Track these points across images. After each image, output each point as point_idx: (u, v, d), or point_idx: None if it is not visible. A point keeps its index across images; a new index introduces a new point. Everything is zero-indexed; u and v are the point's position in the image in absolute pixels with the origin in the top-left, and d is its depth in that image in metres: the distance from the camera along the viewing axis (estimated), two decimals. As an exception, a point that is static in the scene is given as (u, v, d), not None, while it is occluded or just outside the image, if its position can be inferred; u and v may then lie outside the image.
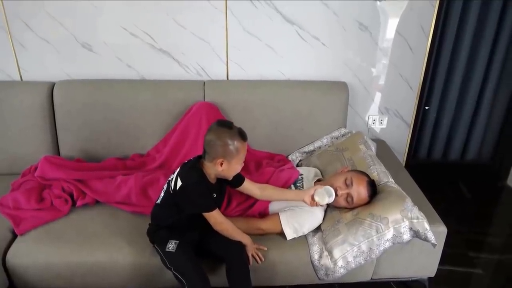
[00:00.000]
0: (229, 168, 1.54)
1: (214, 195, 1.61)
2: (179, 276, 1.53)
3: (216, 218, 1.60)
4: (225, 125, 1.52)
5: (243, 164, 1.58)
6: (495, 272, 2.19)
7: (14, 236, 1.77)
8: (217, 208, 1.59)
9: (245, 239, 1.66)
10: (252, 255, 1.67)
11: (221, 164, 1.51)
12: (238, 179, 1.70)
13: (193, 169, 1.57)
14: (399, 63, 2.37)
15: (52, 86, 2.13)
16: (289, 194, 1.82)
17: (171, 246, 1.59)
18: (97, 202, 1.93)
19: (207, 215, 1.59)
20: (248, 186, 1.74)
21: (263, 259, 1.68)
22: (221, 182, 1.65)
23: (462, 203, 2.75)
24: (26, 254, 1.69)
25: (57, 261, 1.68)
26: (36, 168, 1.98)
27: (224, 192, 1.73)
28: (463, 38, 2.51)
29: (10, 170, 2.11)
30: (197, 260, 1.60)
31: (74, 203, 1.90)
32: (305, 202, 1.72)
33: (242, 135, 1.52)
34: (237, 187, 1.73)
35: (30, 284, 1.72)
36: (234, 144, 1.49)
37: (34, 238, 1.74)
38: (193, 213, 1.61)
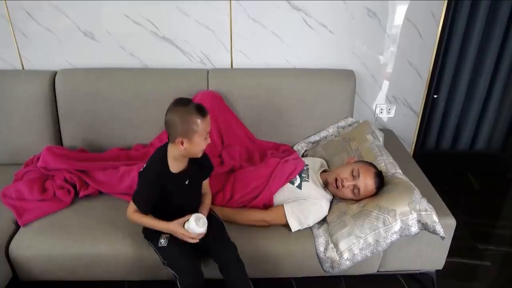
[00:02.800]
0: (192, 146, 1.45)
1: (186, 182, 1.56)
2: (172, 271, 1.53)
3: (130, 208, 1.54)
4: (181, 102, 1.44)
5: (208, 140, 1.49)
6: (504, 265, 2.16)
7: (17, 227, 1.76)
8: (138, 208, 1.52)
9: (170, 227, 1.53)
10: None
11: (182, 143, 1.44)
12: (208, 170, 1.67)
13: (157, 155, 1.53)
14: (408, 50, 2.31)
15: (54, 75, 2.11)
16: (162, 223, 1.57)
17: (163, 240, 1.57)
18: (100, 193, 1.92)
19: (130, 201, 1.54)
20: (204, 185, 1.70)
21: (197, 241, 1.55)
22: (193, 168, 1.57)
23: (470, 195, 2.71)
24: (29, 245, 1.68)
25: (60, 252, 1.67)
26: (39, 158, 1.97)
27: (200, 179, 1.65)
28: (475, 24, 2.43)
29: (13, 160, 2.09)
30: (190, 253, 1.57)
31: (77, 194, 1.89)
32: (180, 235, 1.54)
33: (200, 111, 1.42)
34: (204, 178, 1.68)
35: (33, 275, 1.72)
36: (191, 120, 1.41)
37: (37, 229, 1.73)
38: (177, 209, 1.57)
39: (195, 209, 1.61)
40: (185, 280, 1.50)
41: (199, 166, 1.60)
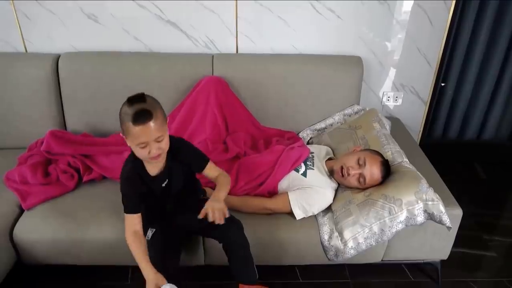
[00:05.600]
0: (131, 147, 1.35)
1: (163, 184, 1.48)
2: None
3: (126, 224, 1.44)
4: (129, 100, 1.30)
5: (146, 150, 1.32)
6: (509, 255, 2.14)
7: (21, 211, 1.76)
8: (132, 214, 1.43)
9: (146, 274, 1.39)
10: None
11: (125, 140, 1.34)
12: (198, 165, 1.53)
13: (130, 158, 1.43)
14: (417, 37, 2.26)
15: (57, 58, 2.08)
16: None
17: (149, 234, 1.55)
18: (103, 177, 1.91)
19: (124, 215, 1.45)
20: (209, 174, 1.56)
21: None
22: (172, 169, 1.48)
23: (476, 184, 2.68)
24: (33, 229, 1.69)
25: (64, 237, 1.67)
26: (42, 142, 1.96)
27: (181, 178, 1.53)
28: (486, 12, 2.37)
29: (16, 144, 2.08)
30: (168, 251, 1.53)
31: (80, 178, 1.88)
32: None
33: (135, 117, 1.26)
34: (197, 172, 1.57)
35: (37, 259, 1.73)
36: (124, 121, 1.29)
37: (41, 213, 1.73)
38: (163, 212, 1.55)
39: (182, 213, 1.57)
40: None
41: (183, 165, 1.50)
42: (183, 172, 1.52)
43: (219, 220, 1.41)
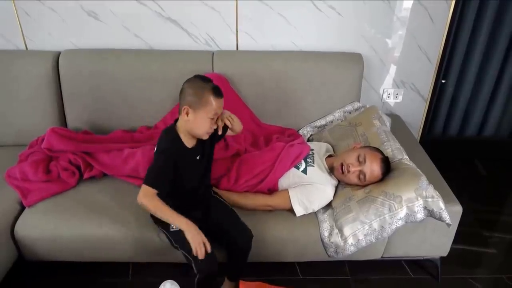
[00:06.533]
0: (195, 120, 1.45)
1: (197, 157, 1.57)
2: (186, 255, 1.51)
3: (142, 191, 1.45)
4: (201, 78, 1.48)
5: (214, 125, 1.50)
6: (509, 252, 2.15)
7: (22, 208, 1.77)
8: (153, 188, 1.45)
9: (182, 221, 1.45)
10: None
11: (187, 114, 1.44)
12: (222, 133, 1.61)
13: (167, 133, 1.54)
14: (418, 33, 2.26)
15: (57, 55, 2.08)
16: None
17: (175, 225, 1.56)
18: (104, 175, 1.91)
19: (143, 185, 1.46)
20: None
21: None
22: (204, 143, 1.58)
23: (477, 181, 2.68)
24: (34, 226, 1.69)
25: (65, 233, 1.68)
26: (43, 140, 1.96)
27: (210, 153, 1.66)
28: (487, 9, 2.36)
29: (17, 142, 2.08)
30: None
31: (81, 175, 1.88)
32: None
33: (215, 90, 1.44)
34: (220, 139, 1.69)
35: (39, 256, 1.74)
36: (203, 94, 1.43)
37: (42, 210, 1.73)
38: (187, 191, 1.58)
39: (204, 189, 1.65)
40: (201, 263, 1.48)
41: (210, 141, 1.60)
42: (210, 151, 1.65)
43: (228, 121, 1.54)
